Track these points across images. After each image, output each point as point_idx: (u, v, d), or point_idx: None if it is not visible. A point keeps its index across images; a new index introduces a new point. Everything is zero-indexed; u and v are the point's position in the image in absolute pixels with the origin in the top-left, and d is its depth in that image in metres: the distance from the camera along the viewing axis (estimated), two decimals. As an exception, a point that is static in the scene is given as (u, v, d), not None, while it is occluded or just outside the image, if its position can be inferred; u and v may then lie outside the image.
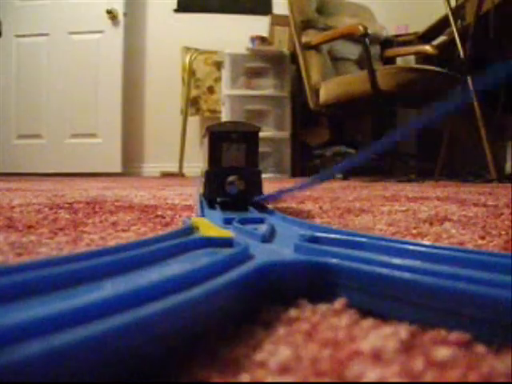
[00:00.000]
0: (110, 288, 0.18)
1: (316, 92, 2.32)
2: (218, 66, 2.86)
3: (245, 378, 0.14)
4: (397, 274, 0.19)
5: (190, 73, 2.94)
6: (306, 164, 2.80)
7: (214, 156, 0.57)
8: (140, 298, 0.16)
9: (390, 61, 2.62)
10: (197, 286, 0.17)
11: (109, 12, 3.06)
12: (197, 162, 3.01)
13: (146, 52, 3.26)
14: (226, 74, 2.70)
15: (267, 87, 2.71)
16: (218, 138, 0.57)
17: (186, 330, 0.16)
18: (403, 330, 0.17)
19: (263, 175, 0.59)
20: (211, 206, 0.55)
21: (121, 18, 3.10)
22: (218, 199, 0.57)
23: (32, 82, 3.14)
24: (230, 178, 0.55)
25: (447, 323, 0.17)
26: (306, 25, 2.41)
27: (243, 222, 0.38)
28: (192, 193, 1.07)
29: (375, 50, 2.57)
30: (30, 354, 0.11)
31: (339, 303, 0.20)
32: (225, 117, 2.65)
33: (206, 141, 0.61)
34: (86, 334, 0.12)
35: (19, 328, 0.12)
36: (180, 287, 0.17)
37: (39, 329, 0.12)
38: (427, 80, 2.05)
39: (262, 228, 0.34)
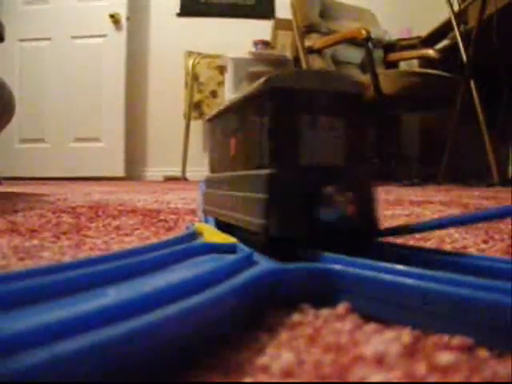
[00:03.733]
0: (114, 295, 0.19)
1: (319, 96, 2.32)
2: (221, 70, 2.87)
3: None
4: (399, 279, 0.19)
5: (193, 77, 2.94)
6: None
7: (283, 144, 0.27)
8: (144, 305, 0.16)
9: (392, 65, 2.62)
10: (201, 292, 0.17)
11: (112, 16, 3.07)
12: (200, 166, 3.01)
13: (149, 56, 3.27)
14: (228, 78, 2.70)
15: (270, 91, 2.70)
16: (294, 104, 0.28)
17: (189, 336, 0.16)
18: (406, 335, 0.17)
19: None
20: (275, 251, 0.25)
21: (124, 22, 3.10)
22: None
23: (35, 86, 3.14)
24: (327, 190, 0.27)
25: (450, 328, 0.17)
26: (309, 29, 2.42)
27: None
28: (195, 197, 1.07)
29: (378, 54, 2.57)
30: (34, 361, 0.11)
31: (342, 308, 0.20)
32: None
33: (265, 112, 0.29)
34: (90, 342, 0.12)
35: (24, 335, 0.12)
36: (184, 293, 0.17)
37: (43, 336, 0.13)
38: (430, 84, 2.05)
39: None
